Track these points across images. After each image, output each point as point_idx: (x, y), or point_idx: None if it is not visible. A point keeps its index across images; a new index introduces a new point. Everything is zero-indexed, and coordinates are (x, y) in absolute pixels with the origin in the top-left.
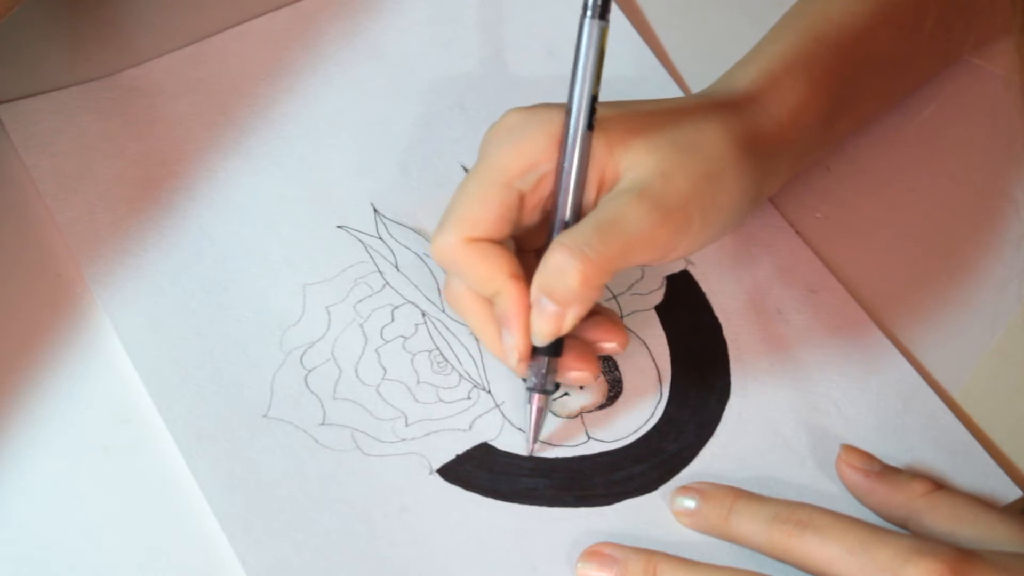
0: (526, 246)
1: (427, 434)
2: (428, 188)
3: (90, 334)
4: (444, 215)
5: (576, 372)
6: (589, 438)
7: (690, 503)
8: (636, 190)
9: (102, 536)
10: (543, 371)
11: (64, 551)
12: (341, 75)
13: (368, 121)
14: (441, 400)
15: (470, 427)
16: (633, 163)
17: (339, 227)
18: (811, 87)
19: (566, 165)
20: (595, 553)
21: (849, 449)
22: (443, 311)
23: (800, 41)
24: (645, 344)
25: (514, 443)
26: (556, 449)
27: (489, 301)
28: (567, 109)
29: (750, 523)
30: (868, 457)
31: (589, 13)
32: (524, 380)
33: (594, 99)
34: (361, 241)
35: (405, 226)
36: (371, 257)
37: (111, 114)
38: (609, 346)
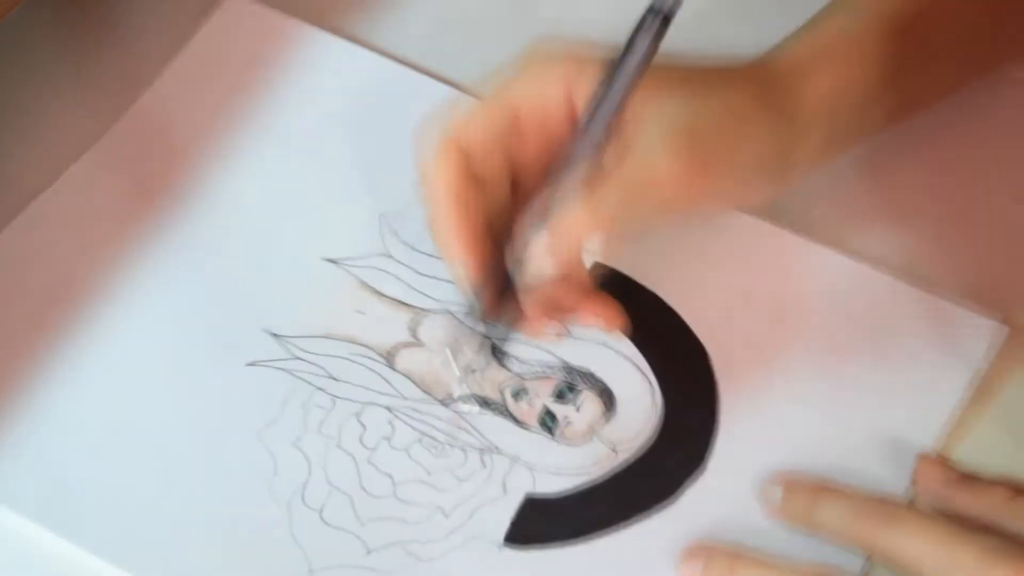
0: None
1: (471, 515)
2: (313, 295)
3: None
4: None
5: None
6: (616, 452)
7: (776, 494)
8: (660, 135)
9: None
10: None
11: (62, 551)
12: None
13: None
14: (461, 479)
15: (505, 490)
16: (656, 113)
17: (249, 365)
18: (859, 62)
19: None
20: (689, 552)
21: (925, 459)
22: (404, 398)
23: (848, 18)
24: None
25: (553, 485)
26: (592, 470)
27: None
28: (607, 76)
29: (835, 515)
30: (946, 466)
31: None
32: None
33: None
34: (282, 369)
35: (312, 336)
36: (303, 380)
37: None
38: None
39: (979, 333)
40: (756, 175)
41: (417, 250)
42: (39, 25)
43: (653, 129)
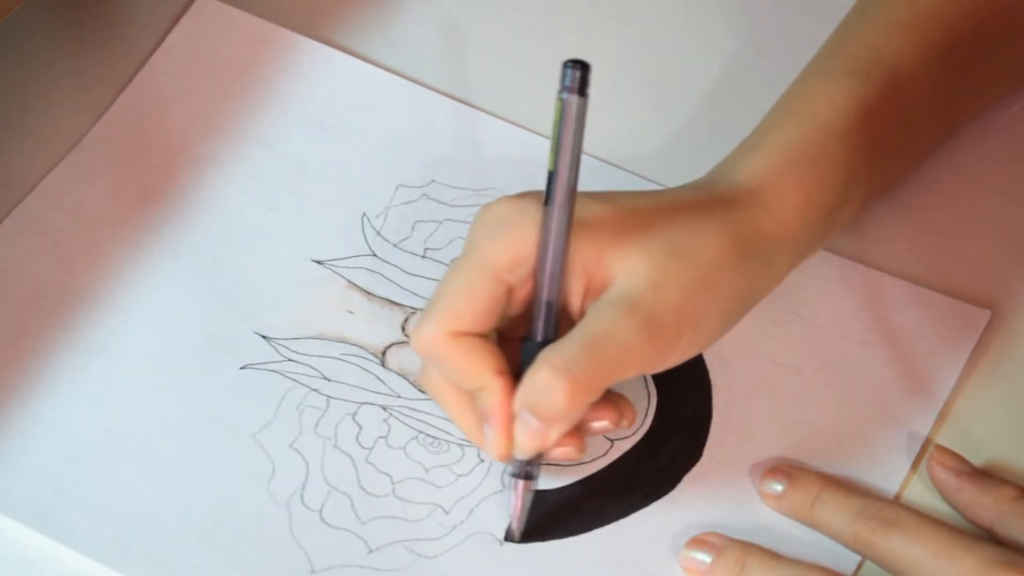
0: (510, 334)
1: (471, 511)
2: (303, 297)
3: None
4: (428, 306)
5: (560, 449)
6: (612, 442)
7: (777, 486)
8: (626, 303)
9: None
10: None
11: (61, 556)
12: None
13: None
14: (459, 475)
15: (503, 485)
16: (626, 269)
17: (243, 368)
18: (816, 181)
19: (543, 263)
20: (699, 540)
21: (941, 448)
22: (399, 396)
23: (804, 130)
24: None
25: (551, 479)
26: (589, 463)
27: (469, 393)
28: (544, 200)
29: (835, 514)
30: (959, 458)
31: (567, 88)
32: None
33: (574, 188)
34: (275, 372)
35: (304, 338)
36: (297, 381)
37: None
38: (599, 424)
39: (971, 324)
40: (722, 329)
41: (402, 249)
42: (39, 25)
43: (623, 297)
